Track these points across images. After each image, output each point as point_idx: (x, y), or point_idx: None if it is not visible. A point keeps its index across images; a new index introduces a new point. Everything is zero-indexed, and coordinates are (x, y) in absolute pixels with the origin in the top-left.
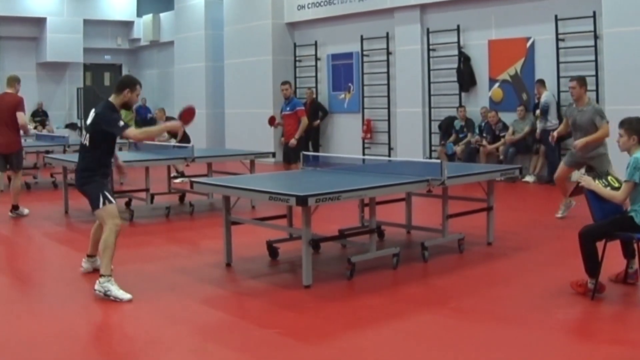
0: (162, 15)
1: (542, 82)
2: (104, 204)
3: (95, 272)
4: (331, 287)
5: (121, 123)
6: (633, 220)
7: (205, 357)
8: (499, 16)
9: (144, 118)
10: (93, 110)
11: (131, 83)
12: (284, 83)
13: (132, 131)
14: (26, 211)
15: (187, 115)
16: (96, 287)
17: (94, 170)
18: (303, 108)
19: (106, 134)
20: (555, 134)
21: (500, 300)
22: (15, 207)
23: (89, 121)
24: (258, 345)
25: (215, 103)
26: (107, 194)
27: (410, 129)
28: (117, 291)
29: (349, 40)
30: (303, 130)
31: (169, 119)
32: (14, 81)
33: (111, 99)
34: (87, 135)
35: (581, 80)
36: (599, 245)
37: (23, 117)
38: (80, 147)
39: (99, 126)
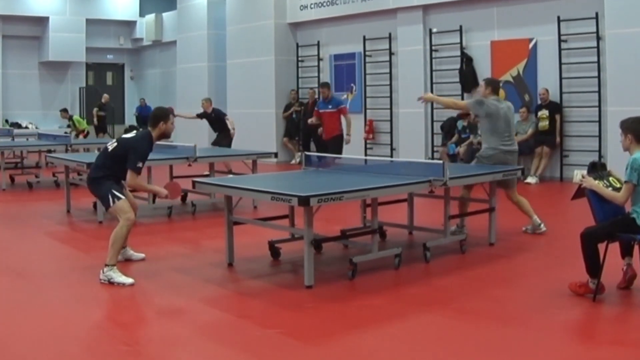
0: (164, 14)
1: None
2: (113, 202)
3: (127, 261)
4: (333, 288)
5: (139, 164)
6: (634, 221)
7: (206, 356)
8: (501, 17)
9: (144, 117)
10: (134, 131)
11: (164, 115)
12: (323, 85)
13: (132, 176)
14: None
15: (174, 191)
16: (101, 276)
17: (102, 174)
18: (346, 106)
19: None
20: None
21: (501, 301)
22: None
23: (124, 135)
24: (259, 345)
25: (218, 103)
26: (114, 192)
27: (413, 129)
28: (119, 277)
29: (352, 41)
30: (350, 127)
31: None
32: None
33: (149, 129)
34: (115, 144)
35: (488, 82)
36: (601, 246)
37: None
38: (103, 150)
39: (127, 146)
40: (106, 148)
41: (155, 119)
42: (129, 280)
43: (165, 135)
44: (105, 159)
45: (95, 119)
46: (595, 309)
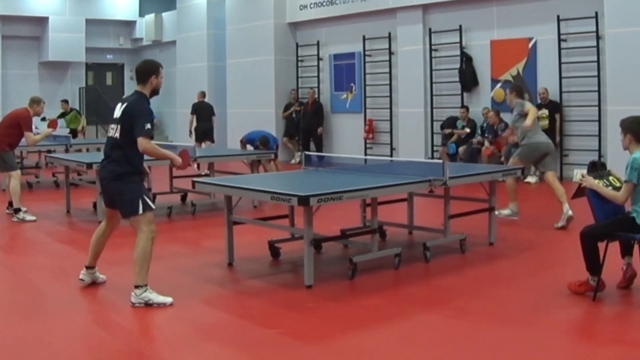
0: (164, 14)
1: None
2: (143, 210)
3: (94, 285)
4: (333, 287)
5: (147, 126)
6: (634, 221)
7: (206, 356)
8: (501, 16)
9: None
10: (122, 103)
11: (155, 68)
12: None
13: (144, 141)
14: (29, 217)
15: (185, 159)
16: (133, 299)
17: (129, 169)
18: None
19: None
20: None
21: (502, 300)
22: (16, 210)
23: (118, 113)
24: (259, 345)
25: (217, 103)
26: (146, 199)
27: (412, 129)
28: (157, 298)
29: (351, 40)
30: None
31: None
32: (32, 102)
33: (138, 89)
34: (118, 127)
35: (512, 88)
36: (601, 245)
37: (31, 138)
38: (109, 141)
39: (129, 117)
40: (112, 138)
41: (146, 73)
42: (169, 300)
43: (156, 91)
44: (115, 148)
45: None
46: (595, 308)
